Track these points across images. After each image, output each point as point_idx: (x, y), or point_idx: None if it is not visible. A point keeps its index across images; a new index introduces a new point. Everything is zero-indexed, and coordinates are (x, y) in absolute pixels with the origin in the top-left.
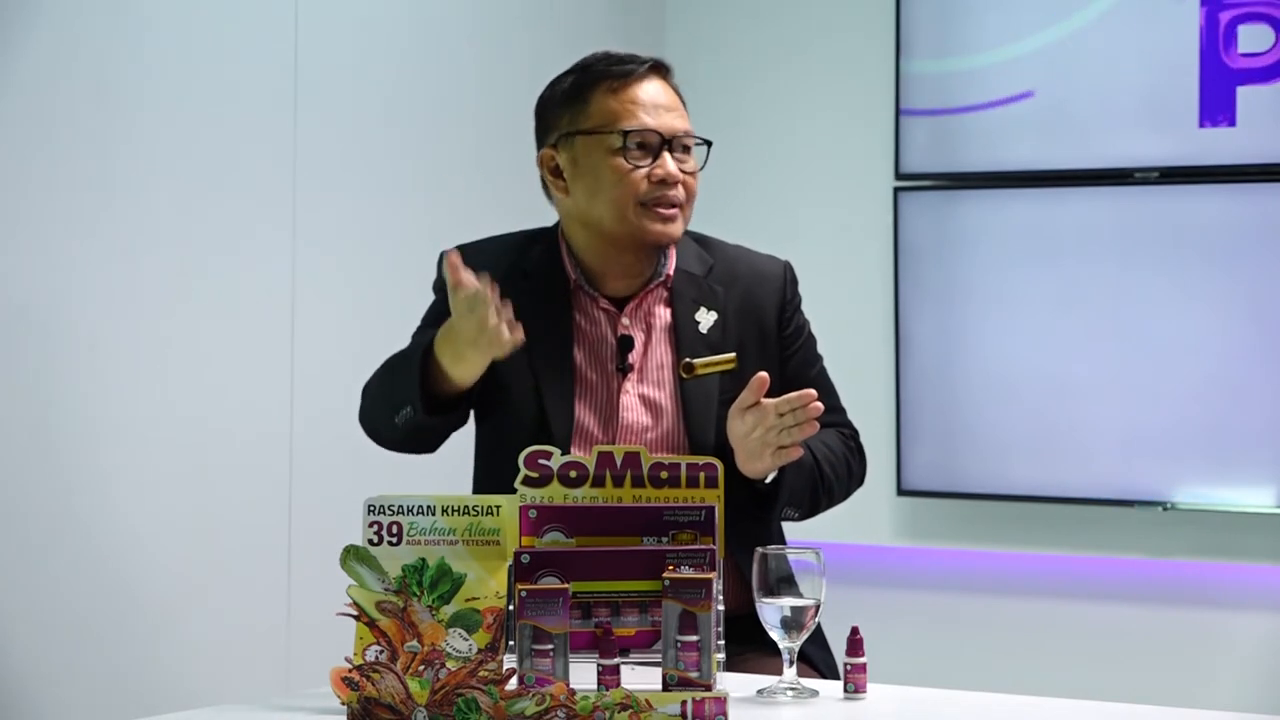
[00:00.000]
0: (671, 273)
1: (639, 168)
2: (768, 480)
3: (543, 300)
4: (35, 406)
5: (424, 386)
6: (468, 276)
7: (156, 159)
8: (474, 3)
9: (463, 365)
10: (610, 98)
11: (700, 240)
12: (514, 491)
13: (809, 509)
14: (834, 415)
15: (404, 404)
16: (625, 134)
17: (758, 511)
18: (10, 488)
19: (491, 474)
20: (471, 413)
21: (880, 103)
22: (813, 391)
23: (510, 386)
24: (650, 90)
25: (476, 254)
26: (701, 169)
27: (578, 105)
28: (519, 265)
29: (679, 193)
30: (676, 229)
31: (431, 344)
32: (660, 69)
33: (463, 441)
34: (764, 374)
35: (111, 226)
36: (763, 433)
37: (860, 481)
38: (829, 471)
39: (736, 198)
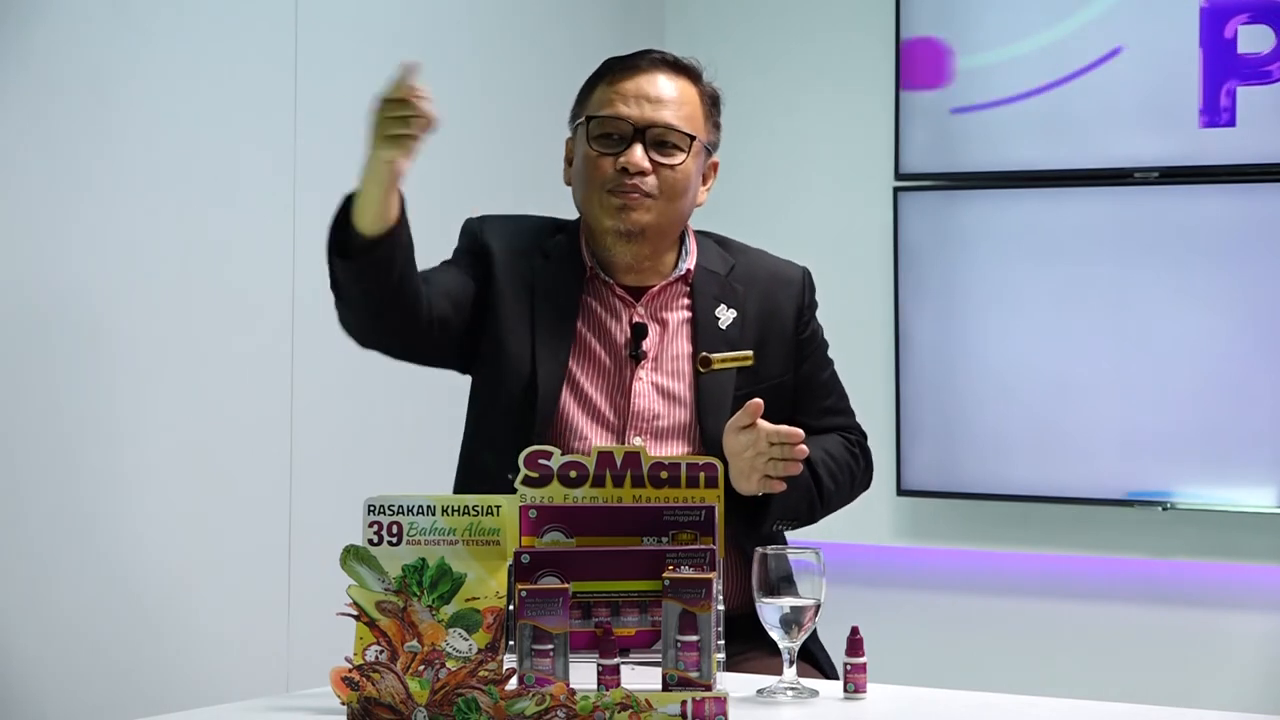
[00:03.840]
0: (692, 269)
1: (606, 155)
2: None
3: (557, 280)
4: (35, 406)
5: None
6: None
7: (156, 160)
8: (474, 3)
9: (379, 166)
10: (604, 88)
11: (720, 241)
12: (503, 447)
13: (805, 520)
14: (843, 418)
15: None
16: (589, 119)
17: (751, 522)
18: (11, 487)
19: (481, 431)
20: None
21: (880, 103)
22: (801, 433)
23: (505, 341)
24: (647, 82)
25: (503, 224)
26: (685, 161)
27: (583, 97)
28: (540, 247)
29: (644, 182)
30: (637, 218)
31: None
32: (670, 65)
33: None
34: (759, 400)
35: (111, 227)
36: (753, 456)
37: (865, 485)
38: (828, 482)
39: (737, 197)
